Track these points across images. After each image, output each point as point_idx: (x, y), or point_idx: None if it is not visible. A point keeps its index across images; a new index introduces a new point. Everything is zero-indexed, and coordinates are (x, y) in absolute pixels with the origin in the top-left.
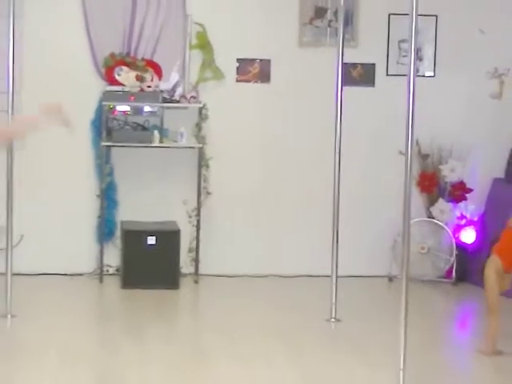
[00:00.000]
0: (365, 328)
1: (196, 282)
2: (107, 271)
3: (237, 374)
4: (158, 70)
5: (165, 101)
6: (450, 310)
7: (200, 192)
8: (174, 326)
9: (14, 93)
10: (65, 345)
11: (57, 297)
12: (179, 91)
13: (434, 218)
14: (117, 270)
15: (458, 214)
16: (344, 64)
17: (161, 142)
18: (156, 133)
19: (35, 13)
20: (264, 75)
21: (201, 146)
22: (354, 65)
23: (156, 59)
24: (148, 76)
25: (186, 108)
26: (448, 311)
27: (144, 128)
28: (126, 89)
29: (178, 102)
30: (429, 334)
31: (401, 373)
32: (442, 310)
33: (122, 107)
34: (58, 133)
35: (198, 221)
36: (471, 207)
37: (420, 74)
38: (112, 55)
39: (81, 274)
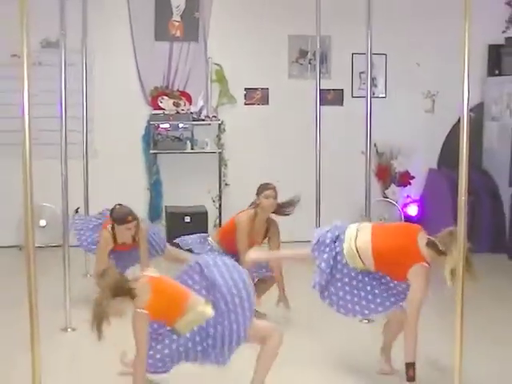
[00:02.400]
0: None
1: None
2: None
3: None
4: (188, 98)
5: (194, 120)
6: None
7: (221, 184)
8: None
9: (87, 118)
10: None
11: None
12: (204, 112)
13: (387, 198)
14: None
15: (404, 194)
16: (321, 90)
17: (192, 149)
18: (188, 142)
19: (102, 62)
20: (264, 99)
21: (220, 151)
22: (328, 90)
23: (187, 90)
24: (182, 102)
25: (209, 124)
26: None
27: (180, 139)
28: (166, 112)
29: (203, 120)
30: None
31: None
32: None
33: (164, 125)
34: (120, 146)
35: (220, 205)
36: (414, 190)
37: (375, 95)
38: (156, 88)
39: None
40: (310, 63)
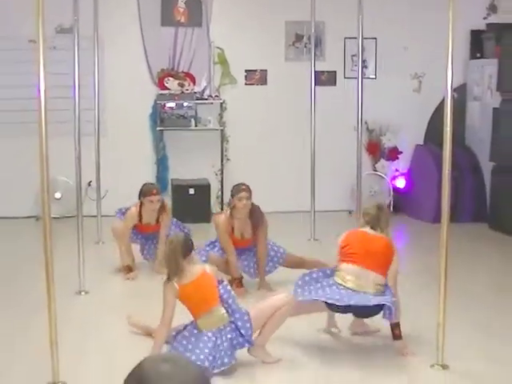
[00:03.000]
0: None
1: None
2: None
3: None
4: (192, 79)
5: (197, 99)
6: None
7: (222, 158)
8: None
9: (99, 98)
10: None
11: None
12: (207, 92)
13: (377, 172)
14: None
15: (393, 168)
16: (315, 71)
17: (195, 126)
18: (192, 120)
19: (112, 45)
20: (263, 80)
21: (222, 128)
22: (322, 72)
23: (191, 71)
24: (186, 83)
25: (211, 103)
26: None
27: (184, 117)
28: (172, 92)
29: (206, 99)
30: None
31: None
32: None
33: (170, 104)
34: (129, 124)
35: (222, 178)
36: (402, 164)
37: (366, 76)
38: (162, 70)
39: None
40: (305, 47)
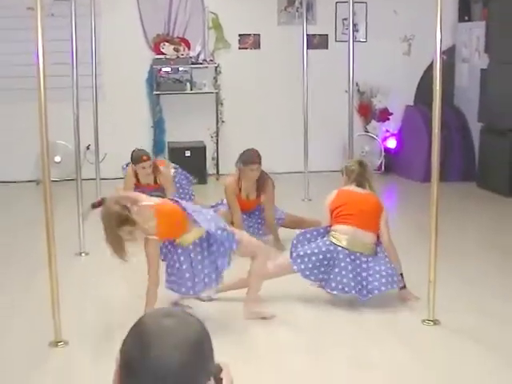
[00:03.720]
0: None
1: (217, 179)
2: None
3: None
4: (187, 44)
5: (193, 63)
6: (381, 190)
7: (217, 121)
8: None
9: (96, 64)
10: None
11: None
12: (202, 57)
13: (369, 133)
14: None
15: (384, 129)
16: (307, 35)
17: (191, 90)
18: (188, 84)
19: (108, 12)
20: (256, 44)
21: (217, 91)
22: (314, 35)
23: (186, 36)
24: (181, 48)
25: (206, 67)
26: (380, 191)
27: (180, 81)
28: (167, 57)
29: (201, 63)
30: None
31: None
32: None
33: (165, 68)
34: (126, 89)
35: (217, 140)
36: (392, 125)
37: (356, 40)
38: (158, 35)
39: None
40: (297, 11)
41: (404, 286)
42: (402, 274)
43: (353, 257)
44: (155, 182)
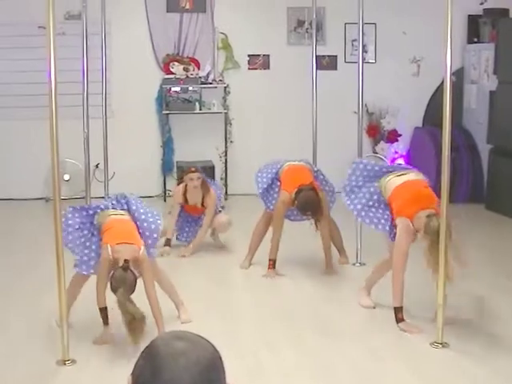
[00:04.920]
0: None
1: (226, 199)
2: (168, 194)
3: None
4: (197, 64)
5: (202, 83)
6: None
7: (226, 141)
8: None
9: (106, 83)
10: None
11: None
12: (211, 77)
13: (377, 154)
14: None
15: (392, 150)
16: (317, 56)
17: (200, 109)
18: (197, 104)
19: (119, 31)
20: (266, 65)
21: (226, 111)
22: (323, 56)
23: (196, 56)
24: (191, 67)
25: (215, 87)
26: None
27: (189, 101)
28: (177, 76)
29: (210, 83)
30: None
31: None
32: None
33: (175, 88)
34: (135, 108)
35: (226, 160)
36: (401, 146)
37: (366, 61)
38: (167, 55)
39: (151, 196)
40: (306, 32)
41: (402, 320)
42: (401, 309)
43: None
44: (202, 204)
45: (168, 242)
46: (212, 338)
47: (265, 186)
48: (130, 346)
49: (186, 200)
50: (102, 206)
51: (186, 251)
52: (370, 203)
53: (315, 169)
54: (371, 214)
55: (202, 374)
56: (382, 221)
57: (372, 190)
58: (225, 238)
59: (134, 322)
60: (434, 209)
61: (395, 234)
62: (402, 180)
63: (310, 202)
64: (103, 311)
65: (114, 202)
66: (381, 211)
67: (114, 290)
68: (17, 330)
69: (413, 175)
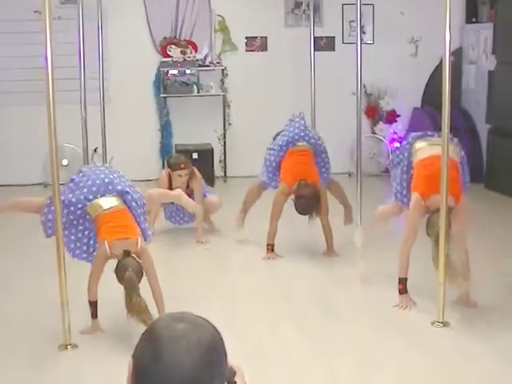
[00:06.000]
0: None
1: (225, 181)
2: None
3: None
4: (194, 47)
5: (199, 66)
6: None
7: (225, 123)
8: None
9: (103, 67)
10: None
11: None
12: (209, 59)
13: (376, 134)
14: None
15: (391, 131)
16: (314, 37)
17: (198, 92)
18: (195, 87)
19: (115, 15)
20: (263, 46)
21: (224, 94)
22: (321, 38)
23: (193, 39)
24: (188, 50)
25: (213, 70)
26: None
27: (187, 84)
28: (174, 59)
29: (208, 66)
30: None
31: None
32: (382, 194)
33: (172, 71)
34: (133, 92)
35: (225, 142)
36: (400, 126)
37: (364, 42)
38: (164, 38)
39: (150, 180)
40: (304, 13)
41: (403, 292)
42: (405, 281)
43: None
44: (187, 186)
45: None
46: (212, 319)
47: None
48: (133, 327)
49: (170, 187)
50: (91, 197)
51: (199, 236)
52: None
53: (316, 137)
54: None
55: (203, 355)
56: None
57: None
58: (223, 220)
59: (140, 312)
60: (452, 193)
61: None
62: (429, 154)
63: (309, 207)
64: (93, 305)
65: (94, 189)
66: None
67: (121, 277)
68: (18, 315)
69: (450, 149)
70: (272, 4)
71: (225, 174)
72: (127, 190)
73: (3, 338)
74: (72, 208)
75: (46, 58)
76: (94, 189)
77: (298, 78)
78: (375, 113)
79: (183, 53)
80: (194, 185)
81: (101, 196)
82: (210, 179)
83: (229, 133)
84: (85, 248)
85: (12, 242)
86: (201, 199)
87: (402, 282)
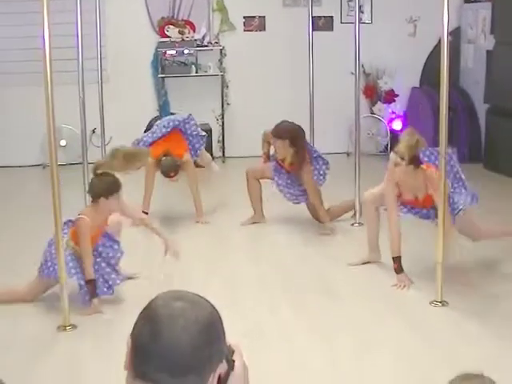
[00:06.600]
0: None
1: (223, 161)
2: None
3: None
4: (192, 27)
5: (198, 46)
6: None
7: (223, 103)
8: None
9: (101, 47)
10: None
11: None
12: (207, 39)
13: (374, 114)
14: None
15: (390, 111)
16: (313, 17)
17: (196, 72)
18: (193, 67)
19: None
20: (261, 26)
21: (222, 74)
22: (319, 17)
23: (191, 19)
24: (186, 30)
25: (211, 50)
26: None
27: (185, 64)
28: (172, 40)
29: (206, 46)
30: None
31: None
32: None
33: (170, 51)
34: (131, 72)
35: (223, 122)
36: (398, 106)
37: (362, 21)
38: (162, 18)
39: None
40: None
41: (399, 271)
42: (399, 258)
43: None
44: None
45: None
46: (211, 299)
47: None
48: (131, 306)
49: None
50: None
51: (199, 217)
52: None
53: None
54: None
55: (201, 333)
56: None
57: None
58: (222, 200)
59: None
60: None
61: None
62: None
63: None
64: (91, 283)
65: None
66: None
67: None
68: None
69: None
70: None
71: (223, 155)
72: None
73: (2, 318)
74: None
75: (43, 38)
76: None
77: (296, 58)
78: (373, 92)
79: (181, 33)
80: (187, 168)
81: None
82: None
83: (227, 113)
84: None
85: (10, 223)
86: (196, 183)
87: (396, 260)
